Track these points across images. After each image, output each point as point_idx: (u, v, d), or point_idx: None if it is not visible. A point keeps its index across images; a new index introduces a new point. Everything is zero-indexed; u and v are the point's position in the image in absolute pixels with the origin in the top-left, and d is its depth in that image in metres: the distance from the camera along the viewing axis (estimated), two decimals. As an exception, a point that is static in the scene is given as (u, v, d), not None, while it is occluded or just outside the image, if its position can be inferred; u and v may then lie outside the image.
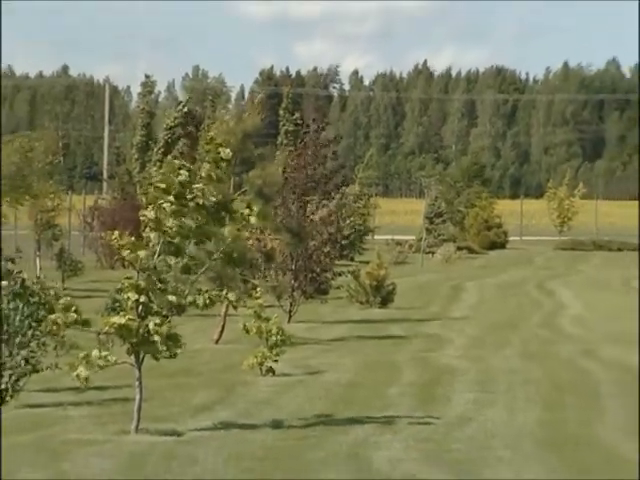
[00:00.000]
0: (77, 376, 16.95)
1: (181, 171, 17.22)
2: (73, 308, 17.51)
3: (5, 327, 18.56)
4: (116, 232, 17.52)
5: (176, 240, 17.12)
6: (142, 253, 16.90)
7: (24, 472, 13.99)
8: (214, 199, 17.50)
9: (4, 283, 18.89)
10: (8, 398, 18.49)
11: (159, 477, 13.72)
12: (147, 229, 17.12)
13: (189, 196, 17.17)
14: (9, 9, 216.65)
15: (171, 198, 17.05)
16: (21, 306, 18.75)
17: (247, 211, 18.25)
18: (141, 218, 17.34)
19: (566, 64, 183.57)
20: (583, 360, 24.58)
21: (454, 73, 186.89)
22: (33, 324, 18.76)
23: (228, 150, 17.90)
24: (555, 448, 15.58)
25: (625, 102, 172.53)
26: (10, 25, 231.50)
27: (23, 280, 19.16)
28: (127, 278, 16.78)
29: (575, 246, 69.43)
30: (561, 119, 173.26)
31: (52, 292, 19.43)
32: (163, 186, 17.06)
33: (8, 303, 18.71)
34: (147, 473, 13.95)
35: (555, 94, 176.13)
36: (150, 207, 17.12)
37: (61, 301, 18.27)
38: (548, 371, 23.05)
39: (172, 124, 59.57)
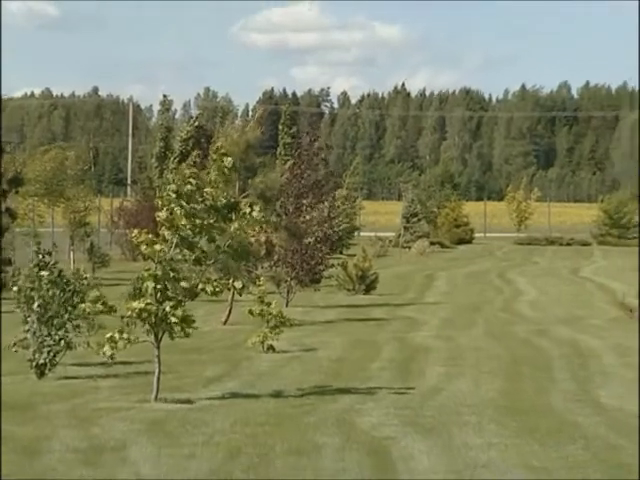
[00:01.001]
0: (103, 353, 17.01)
1: (190, 179, 17.23)
2: (101, 301, 17.61)
3: (44, 311, 18.55)
4: (135, 230, 17.59)
5: (188, 236, 17.12)
6: (157, 247, 16.90)
7: (60, 435, 13.96)
8: (224, 200, 17.51)
9: (44, 273, 18.86)
10: (47, 371, 18.49)
11: (176, 438, 13.73)
12: (162, 228, 17.16)
13: (200, 199, 17.17)
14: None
15: (182, 203, 17.07)
16: (58, 293, 18.73)
17: (249, 210, 18.23)
18: (157, 218, 17.40)
19: (523, 86, 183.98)
20: (537, 338, 24.58)
21: (428, 94, 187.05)
22: (69, 308, 18.75)
23: (230, 159, 17.90)
24: (514, 414, 15.58)
25: (573, 119, 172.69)
26: (50, 52, 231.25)
27: (60, 271, 19.14)
28: (146, 270, 16.80)
29: (531, 241, 69.47)
30: (519, 133, 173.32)
31: (86, 282, 19.42)
32: (174, 194, 17.11)
33: (47, 290, 18.68)
34: (165, 435, 13.95)
35: (514, 112, 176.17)
36: (164, 209, 17.17)
37: (91, 293, 18.34)
38: (508, 348, 23.05)
39: (186, 137, 59.54)
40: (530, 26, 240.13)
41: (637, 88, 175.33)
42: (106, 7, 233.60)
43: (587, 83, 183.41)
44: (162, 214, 17.24)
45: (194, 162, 18.57)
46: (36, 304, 18.77)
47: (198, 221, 17.09)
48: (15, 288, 19.46)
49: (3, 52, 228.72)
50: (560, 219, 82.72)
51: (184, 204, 17.06)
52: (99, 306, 17.57)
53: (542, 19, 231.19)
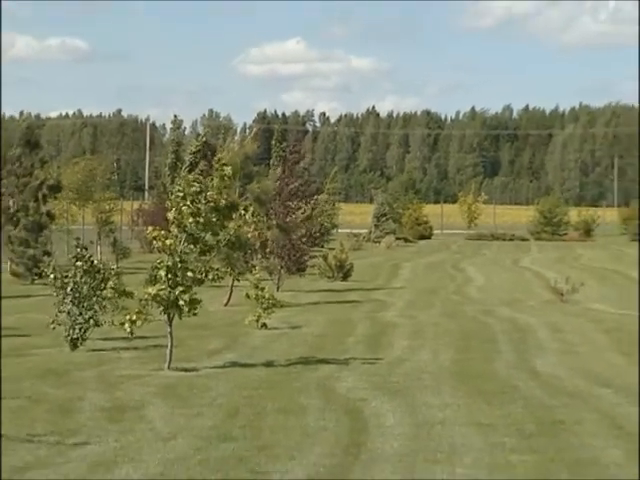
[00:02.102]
0: (125, 330, 17.01)
1: (194, 183, 17.22)
2: (122, 289, 17.64)
3: (76, 295, 18.53)
4: (151, 227, 17.60)
5: (194, 232, 17.10)
6: (168, 242, 16.86)
7: (89, 397, 13.96)
8: (224, 202, 17.49)
9: (79, 263, 18.84)
10: (79, 344, 18.46)
11: (185, 399, 13.73)
12: (172, 225, 17.14)
13: (204, 201, 17.14)
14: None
15: (188, 203, 17.05)
16: (88, 280, 18.72)
17: (243, 213, 18.28)
18: (168, 217, 17.41)
19: (473, 109, 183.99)
20: (484, 317, 24.58)
21: (394, 115, 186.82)
22: (97, 292, 18.73)
23: (229, 168, 17.90)
24: (465, 379, 15.59)
25: (514, 136, 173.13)
26: (81, 80, 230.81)
27: (92, 262, 19.12)
28: (160, 262, 16.80)
29: (479, 237, 69.51)
30: (469, 148, 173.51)
31: (113, 272, 19.39)
32: (181, 194, 17.10)
33: (80, 278, 18.67)
34: (176, 397, 13.95)
35: (465, 130, 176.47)
36: (173, 209, 17.17)
37: (110, 282, 18.34)
38: (459, 324, 23.05)
39: (195, 150, 59.40)
40: (479, 59, 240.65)
41: (567, 112, 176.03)
42: (128, 43, 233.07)
43: (526, 106, 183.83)
44: (171, 214, 17.25)
45: (201, 171, 18.52)
46: (69, 288, 18.77)
47: (202, 219, 17.07)
48: (52, 275, 19.41)
49: (43, 81, 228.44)
50: (503, 219, 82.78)
51: (189, 204, 17.05)
52: (118, 292, 17.70)
53: (489, 53, 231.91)
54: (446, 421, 12.28)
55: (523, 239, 68.29)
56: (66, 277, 18.84)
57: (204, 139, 60.71)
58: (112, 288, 18.24)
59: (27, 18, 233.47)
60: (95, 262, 19.44)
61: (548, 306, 27.21)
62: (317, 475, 9.58)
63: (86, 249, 19.41)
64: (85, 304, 18.60)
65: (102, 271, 19.06)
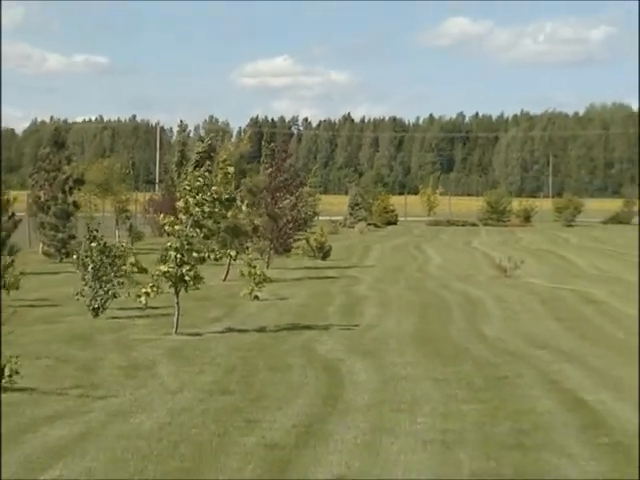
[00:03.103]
0: (139, 301, 16.98)
1: (199, 179, 17.20)
2: (137, 266, 17.59)
3: (96, 271, 18.49)
4: (162, 215, 17.61)
5: (199, 219, 17.09)
6: (177, 227, 16.85)
7: (109, 357, 13.93)
8: (226, 195, 17.48)
9: (94, 245, 18.79)
10: (99, 313, 18.41)
11: (190, 359, 13.72)
12: (180, 213, 17.13)
13: (208, 193, 17.13)
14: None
15: (194, 195, 17.04)
16: (105, 258, 18.68)
17: (240, 204, 18.30)
18: (176, 206, 17.40)
19: (431, 115, 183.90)
20: (441, 290, 24.65)
21: (366, 120, 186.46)
22: (114, 269, 18.68)
23: (232, 168, 17.91)
24: (424, 342, 15.63)
25: (466, 138, 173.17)
26: (102, 90, 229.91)
27: (105, 242, 19.08)
28: (170, 244, 16.79)
29: (437, 223, 69.52)
30: (429, 148, 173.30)
31: (127, 251, 19.35)
32: (188, 188, 17.09)
33: (97, 256, 18.63)
34: (182, 358, 13.94)
35: (425, 133, 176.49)
36: (181, 200, 17.18)
37: (129, 260, 18.29)
38: (420, 297, 23.10)
39: (201, 150, 59.12)
40: (438, 73, 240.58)
41: (510, 118, 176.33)
42: (141, 59, 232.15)
43: (476, 113, 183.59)
44: (180, 203, 17.29)
45: (207, 169, 18.53)
46: (90, 266, 18.73)
47: (206, 209, 17.07)
48: (75, 256, 19.42)
49: (70, 91, 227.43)
50: (457, 208, 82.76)
51: (194, 196, 17.05)
52: (135, 268, 17.65)
53: (446, 67, 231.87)
54: (408, 377, 12.32)
55: (473, 225, 68.38)
56: (86, 257, 18.83)
57: (209, 142, 60.43)
58: (132, 264, 18.22)
59: (57, 38, 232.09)
60: (108, 243, 19.47)
61: (494, 281, 27.30)
62: (301, 423, 9.60)
63: (97, 231, 19.41)
64: (104, 279, 18.58)
65: (115, 250, 19.08)
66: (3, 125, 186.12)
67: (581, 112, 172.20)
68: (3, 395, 11.00)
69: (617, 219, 73.79)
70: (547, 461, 8.14)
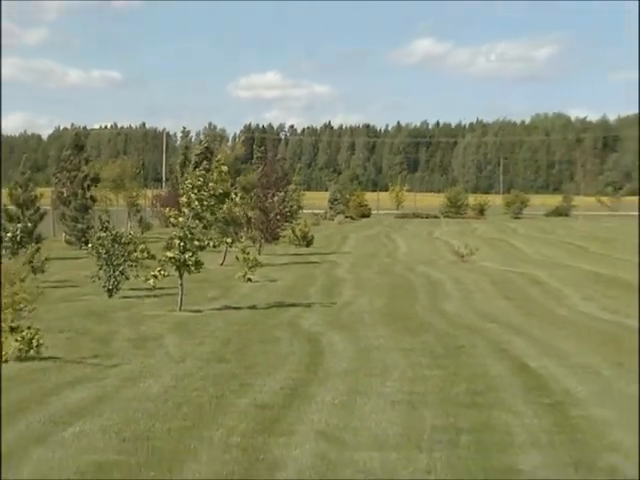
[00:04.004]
0: (148, 283, 16.94)
1: (200, 177, 17.17)
2: (146, 252, 17.56)
3: (109, 257, 18.45)
4: (167, 208, 17.59)
5: (199, 212, 17.06)
6: (180, 219, 16.84)
7: (122, 331, 13.88)
8: (221, 191, 17.43)
9: (104, 234, 18.76)
10: (113, 293, 18.37)
11: (192, 332, 13.70)
12: (183, 207, 17.09)
13: (206, 189, 17.10)
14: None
15: (195, 191, 17.01)
16: (117, 245, 18.62)
17: (234, 198, 18.25)
18: (180, 201, 17.37)
19: (399, 122, 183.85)
20: (407, 273, 24.72)
21: (344, 127, 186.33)
22: (125, 254, 18.62)
23: (226, 167, 17.85)
24: (393, 318, 15.67)
25: (429, 143, 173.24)
26: (116, 100, 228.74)
27: (117, 232, 19.02)
28: (174, 234, 16.79)
29: (404, 216, 69.53)
30: (397, 151, 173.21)
31: (137, 240, 19.31)
32: (190, 186, 17.07)
33: (110, 244, 18.58)
34: (185, 331, 13.91)
35: (394, 138, 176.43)
36: (184, 196, 17.15)
37: (140, 247, 18.25)
38: (390, 279, 23.15)
39: (199, 152, 58.90)
40: (406, 86, 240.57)
41: (467, 125, 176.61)
42: (150, 74, 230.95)
43: (438, 121, 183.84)
44: (183, 199, 17.26)
45: (205, 169, 18.54)
46: (103, 252, 18.68)
47: (205, 203, 17.05)
48: (90, 245, 19.40)
49: (88, 101, 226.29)
50: (421, 203, 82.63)
51: (196, 192, 17.02)
52: (145, 254, 17.62)
53: (414, 81, 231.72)
54: (380, 347, 12.34)
55: (435, 217, 68.47)
56: (100, 244, 18.78)
57: (205, 145, 60.25)
58: (142, 251, 18.19)
59: (77, 55, 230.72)
60: (119, 232, 19.43)
61: (453, 265, 27.38)
62: (288, 386, 9.61)
63: (108, 222, 19.44)
64: (116, 264, 18.53)
65: (125, 238, 19.06)
66: (31, 131, 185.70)
67: (527, 121, 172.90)
68: (31, 363, 10.98)
69: (557, 212, 74.20)
70: (497, 417, 8.18)
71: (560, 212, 73.97)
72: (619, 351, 11.97)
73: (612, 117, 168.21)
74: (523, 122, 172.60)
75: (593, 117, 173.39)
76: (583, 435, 7.59)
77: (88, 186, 36.40)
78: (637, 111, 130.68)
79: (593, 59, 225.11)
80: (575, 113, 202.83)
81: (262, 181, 33.48)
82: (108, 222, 19.44)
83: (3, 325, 11.41)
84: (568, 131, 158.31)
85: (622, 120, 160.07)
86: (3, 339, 11.24)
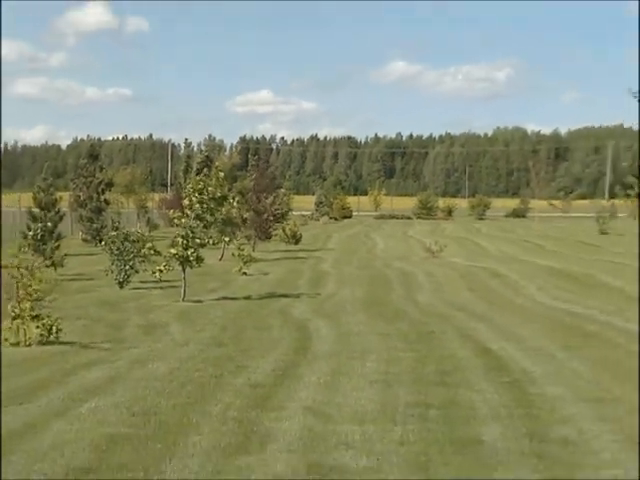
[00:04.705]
0: (155, 276, 16.90)
1: (200, 182, 17.14)
2: (152, 249, 17.55)
3: (120, 253, 18.42)
4: (172, 210, 17.59)
5: (200, 213, 17.03)
6: (184, 220, 16.81)
7: (132, 318, 13.84)
8: (219, 195, 17.40)
9: (116, 233, 18.73)
10: (124, 285, 18.32)
11: (193, 320, 13.67)
12: (186, 209, 17.06)
13: (206, 193, 17.06)
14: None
15: (196, 195, 16.97)
16: (128, 244, 18.59)
17: (232, 201, 18.24)
18: (183, 204, 17.33)
19: (377, 135, 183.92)
20: (385, 268, 24.76)
21: (329, 139, 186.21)
22: (135, 251, 18.58)
23: (222, 173, 17.85)
24: (372, 307, 15.69)
25: (404, 153, 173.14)
26: (126, 114, 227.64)
27: (126, 232, 19.00)
28: (178, 233, 16.75)
29: (382, 217, 69.67)
30: (375, 160, 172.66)
31: (145, 238, 19.25)
32: (191, 190, 17.06)
33: (121, 242, 18.53)
34: (188, 319, 13.89)
35: (372, 148, 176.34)
36: (186, 199, 17.12)
37: (147, 244, 18.20)
38: (369, 273, 23.18)
39: (200, 161, 58.76)
40: (382, 103, 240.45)
41: (437, 137, 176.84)
42: (157, 91, 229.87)
43: (411, 134, 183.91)
44: (186, 201, 17.21)
45: (205, 175, 18.54)
46: (115, 249, 18.63)
47: (205, 205, 17.02)
48: (104, 242, 19.36)
49: (103, 115, 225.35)
50: (397, 205, 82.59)
51: (196, 195, 16.98)
52: (152, 251, 17.60)
53: (389, 99, 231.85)
54: (360, 333, 12.35)
55: (409, 218, 68.63)
56: (112, 242, 18.75)
57: (206, 154, 60.14)
58: (149, 248, 18.09)
59: (93, 75, 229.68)
60: (129, 231, 19.43)
61: (424, 260, 27.43)
62: (279, 367, 9.60)
63: (119, 222, 19.47)
64: (126, 259, 18.49)
65: (134, 237, 19.04)
66: (52, 142, 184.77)
67: (489, 133, 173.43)
68: (51, 347, 10.93)
69: (515, 214, 74.57)
70: (462, 394, 8.20)
71: (518, 214, 74.29)
72: (569, 335, 12.03)
73: (563, 131, 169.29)
74: (486, 135, 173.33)
75: (546, 130, 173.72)
76: (537, 410, 7.62)
77: (102, 190, 36.34)
78: (584, 126, 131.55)
79: (546, 80, 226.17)
80: (531, 127, 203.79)
81: (256, 186, 33.48)
82: (120, 222, 19.45)
83: (23, 314, 11.37)
84: (525, 143, 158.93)
85: (572, 133, 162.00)
86: (25, 327, 11.21)
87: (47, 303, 12.34)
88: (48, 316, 11.45)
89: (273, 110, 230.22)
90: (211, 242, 17.38)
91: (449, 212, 71.49)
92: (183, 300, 16.28)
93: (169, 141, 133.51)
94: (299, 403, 7.78)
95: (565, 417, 7.36)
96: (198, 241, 16.73)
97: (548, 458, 6.13)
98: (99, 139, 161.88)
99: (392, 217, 69.64)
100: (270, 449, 6.27)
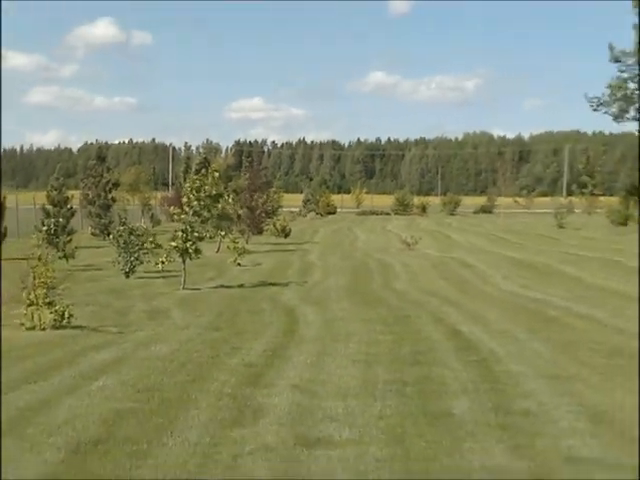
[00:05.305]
0: (158, 266, 16.83)
1: (197, 181, 17.07)
2: (154, 242, 17.51)
3: (126, 245, 18.36)
4: (172, 207, 17.52)
5: (197, 210, 16.97)
6: (183, 216, 16.74)
7: (137, 305, 13.79)
8: (215, 192, 17.33)
9: (122, 228, 18.66)
10: (130, 275, 18.23)
11: (192, 306, 13.62)
12: (185, 206, 17.00)
13: (203, 191, 17.00)
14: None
15: (194, 193, 16.91)
16: (133, 238, 18.52)
17: (227, 198, 18.18)
18: (182, 201, 17.27)
19: (359, 139, 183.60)
20: (365, 258, 24.75)
21: (315, 142, 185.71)
22: (139, 244, 18.51)
23: (217, 173, 17.80)
24: (354, 294, 15.67)
25: (382, 155, 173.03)
26: (131, 121, 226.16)
27: (132, 227, 18.93)
28: (178, 228, 16.68)
29: (363, 213, 69.58)
30: (357, 161, 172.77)
31: (149, 233, 19.18)
32: (189, 189, 17.00)
33: (128, 236, 18.45)
34: (187, 306, 13.84)
35: (355, 151, 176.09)
36: (185, 197, 17.07)
37: (150, 239, 18.14)
38: (352, 264, 23.15)
39: (199, 162, 58.42)
40: (362, 110, 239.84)
41: (413, 141, 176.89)
42: (159, 100, 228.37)
43: (389, 138, 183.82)
44: (184, 199, 17.14)
45: (202, 175, 18.48)
46: (122, 242, 18.55)
47: (202, 202, 16.95)
48: (111, 236, 19.28)
49: (110, 122, 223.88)
50: (377, 202, 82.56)
51: (195, 194, 16.92)
52: (154, 245, 17.54)
53: (369, 106, 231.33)
54: (343, 318, 12.35)
55: (387, 214, 68.61)
56: (119, 235, 18.67)
57: (204, 156, 59.86)
58: (151, 242, 18.06)
59: (101, 84, 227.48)
60: (134, 226, 19.38)
61: (401, 252, 27.45)
62: (270, 349, 9.59)
63: (126, 219, 19.42)
64: (132, 251, 18.42)
65: (139, 232, 18.98)
66: (64, 145, 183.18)
67: (460, 137, 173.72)
68: (63, 331, 10.88)
69: (483, 210, 74.70)
70: (435, 372, 8.23)
71: (485, 210, 74.46)
72: (531, 319, 12.09)
73: (525, 135, 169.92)
74: (456, 139, 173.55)
75: (511, 135, 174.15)
76: (502, 385, 7.65)
77: (109, 189, 36.18)
78: (544, 131, 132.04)
79: (511, 89, 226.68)
80: (497, 132, 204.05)
81: (249, 185, 33.43)
82: (125, 218, 19.34)
83: (38, 301, 11.32)
84: (491, 146, 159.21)
85: (533, 137, 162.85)
86: (40, 312, 11.16)
87: (60, 291, 12.27)
88: (61, 303, 11.40)
89: (265, 116, 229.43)
90: (208, 236, 17.34)
91: (423, 209, 71.54)
92: (183, 288, 16.23)
93: (170, 144, 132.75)
94: (288, 381, 7.78)
95: (527, 392, 7.40)
96: (196, 235, 16.68)
97: (511, 428, 6.17)
98: (106, 143, 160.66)
99: (372, 213, 69.62)
100: (262, 422, 6.27)
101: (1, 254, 18.21)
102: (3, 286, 13.30)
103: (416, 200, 74.91)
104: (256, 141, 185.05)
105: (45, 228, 22.94)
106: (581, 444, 5.81)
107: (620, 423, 6.31)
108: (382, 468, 5.26)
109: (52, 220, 23.48)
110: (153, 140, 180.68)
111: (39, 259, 11.94)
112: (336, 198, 77.66)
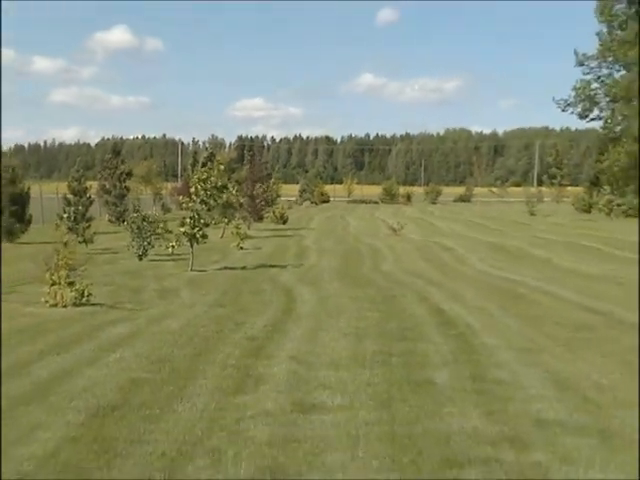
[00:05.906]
0: (168, 250, 16.78)
1: (204, 173, 17.00)
2: (164, 229, 17.43)
3: (139, 231, 18.31)
4: (181, 197, 17.43)
5: (204, 199, 16.91)
6: (191, 204, 16.67)
7: (149, 285, 13.74)
8: (220, 183, 17.27)
9: (136, 215, 18.59)
10: (143, 258, 18.19)
11: (199, 286, 13.61)
12: (193, 195, 16.93)
13: (209, 182, 16.94)
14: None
15: (201, 184, 16.84)
16: (146, 224, 18.45)
17: (230, 188, 18.11)
18: (190, 191, 17.20)
19: (350, 134, 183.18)
20: (356, 243, 24.74)
21: (310, 138, 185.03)
22: (151, 230, 18.45)
23: (222, 165, 17.72)
24: (346, 276, 15.67)
25: (371, 149, 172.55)
26: (144, 118, 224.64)
27: (145, 214, 18.85)
28: (187, 215, 16.62)
29: (354, 202, 69.45)
30: (348, 155, 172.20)
31: (162, 221, 19.12)
32: (197, 179, 16.92)
33: (141, 222, 18.39)
34: (195, 285, 13.82)
35: (346, 146, 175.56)
36: (193, 187, 17.00)
37: (161, 225, 18.08)
38: (343, 248, 23.14)
39: (205, 156, 58.13)
40: (351, 109, 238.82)
41: (399, 136, 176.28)
42: (170, 99, 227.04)
43: (377, 133, 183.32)
44: (192, 189, 17.07)
45: (208, 167, 18.43)
46: (135, 228, 18.50)
47: (208, 192, 16.89)
48: (126, 222, 19.19)
49: (125, 120, 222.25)
50: (366, 192, 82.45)
51: (202, 184, 16.85)
52: (164, 231, 17.45)
53: (359, 106, 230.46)
54: (336, 296, 12.35)
55: (376, 203, 68.48)
56: (133, 222, 18.61)
57: (210, 150, 59.59)
58: (162, 228, 18.02)
59: (117, 86, 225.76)
60: (146, 214, 19.31)
61: (388, 237, 27.45)
62: (270, 324, 9.61)
63: (139, 207, 19.36)
64: (144, 236, 18.37)
65: (151, 219, 18.93)
66: (83, 140, 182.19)
67: (441, 133, 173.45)
68: (83, 308, 10.87)
69: (462, 199, 74.69)
70: (420, 346, 8.26)
71: (464, 199, 74.43)
72: (504, 297, 12.13)
73: (500, 131, 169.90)
74: (438, 134, 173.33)
75: (487, 131, 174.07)
76: (478, 356, 7.69)
77: (124, 180, 36.05)
78: (517, 127, 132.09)
79: (487, 90, 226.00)
80: (474, 128, 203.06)
81: (251, 176, 33.37)
82: (139, 206, 19.28)
83: (60, 280, 11.31)
84: (469, 141, 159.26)
85: (507, 133, 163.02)
86: (62, 291, 11.14)
87: (80, 272, 12.27)
88: (81, 283, 11.39)
89: (265, 114, 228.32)
90: (213, 222, 17.36)
91: (408, 198, 71.41)
92: (191, 270, 16.22)
93: (179, 140, 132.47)
94: (286, 353, 7.81)
95: (500, 362, 7.44)
96: (203, 221, 16.64)
97: (486, 394, 6.21)
98: (121, 138, 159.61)
99: (362, 202, 69.50)
100: (262, 390, 6.29)
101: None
102: (29, 267, 13.28)
103: (402, 190, 74.76)
104: (257, 137, 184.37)
105: (66, 215, 23.00)
106: (548, 407, 5.86)
107: (583, 389, 6.37)
108: (371, 430, 5.29)
109: (72, 208, 23.53)
110: (164, 136, 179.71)
111: (65, 244, 11.93)
112: (329, 188, 77.48)
